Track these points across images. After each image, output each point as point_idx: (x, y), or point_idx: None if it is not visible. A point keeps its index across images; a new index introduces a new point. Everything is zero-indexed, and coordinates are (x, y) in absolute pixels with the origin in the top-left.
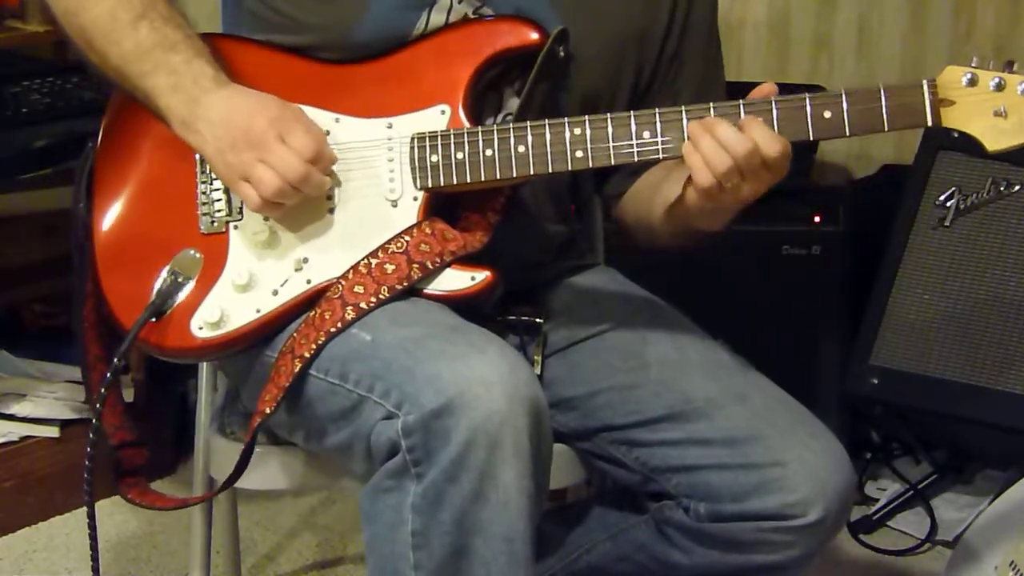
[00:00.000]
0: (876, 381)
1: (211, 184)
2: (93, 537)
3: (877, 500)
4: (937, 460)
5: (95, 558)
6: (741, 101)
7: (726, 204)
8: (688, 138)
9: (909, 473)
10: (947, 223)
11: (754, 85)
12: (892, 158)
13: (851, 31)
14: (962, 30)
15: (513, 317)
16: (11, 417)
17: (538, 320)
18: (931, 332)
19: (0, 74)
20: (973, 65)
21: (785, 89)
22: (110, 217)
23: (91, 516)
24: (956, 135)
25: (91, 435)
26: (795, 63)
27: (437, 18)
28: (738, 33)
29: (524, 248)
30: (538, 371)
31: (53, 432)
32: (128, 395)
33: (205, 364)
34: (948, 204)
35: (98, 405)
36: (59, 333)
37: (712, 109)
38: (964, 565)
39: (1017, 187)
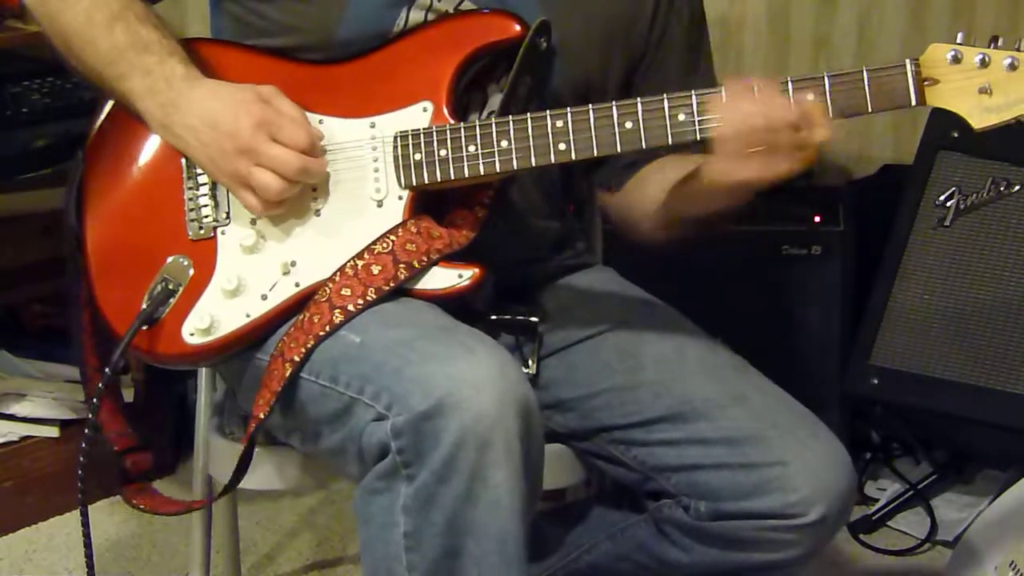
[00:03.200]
0: (876, 381)
1: (197, 190)
2: (88, 544)
3: (877, 500)
4: (937, 460)
5: (90, 565)
6: (722, 87)
7: (743, 175)
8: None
9: (909, 473)
10: (947, 223)
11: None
12: (892, 158)
13: (851, 31)
14: (962, 30)
15: (508, 316)
16: (11, 417)
17: (533, 319)
18: (931, 332)
19: (0, 74)
20: (958, 42)
21: None
22: (101, 226)
23: (85, 524)
24: (956, 135)
25: (83, 444)
26: (795, 63)
27: (416, 15)
28: (738, 33)
29: (515, 244)
30: (534, 371)
31: (53, 432)
32: (128, 395)
33: None
34: (948, 204)
35: (91, 416)
36: (59, 333)
37: (694, 96)
38: (964, 565)
39: (1017, 187)
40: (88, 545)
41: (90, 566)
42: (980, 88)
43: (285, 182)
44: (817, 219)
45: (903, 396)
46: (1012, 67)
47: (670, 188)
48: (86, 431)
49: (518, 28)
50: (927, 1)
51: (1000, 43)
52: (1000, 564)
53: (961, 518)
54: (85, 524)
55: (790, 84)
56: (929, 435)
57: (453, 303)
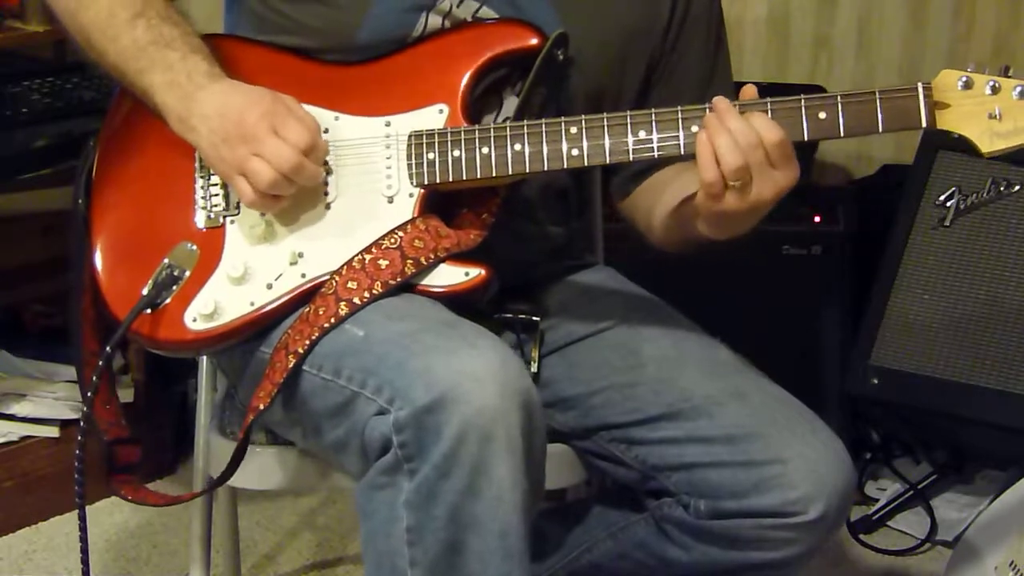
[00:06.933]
0: (876, 381)
1: (209, 180)
2: (84, 539)
3: (877, 500)
4: (937, 460)
5: (85, 560)
6: (736, 103)
7: (730, 207)
8: (704, 127)
9: (909, 473)
10: (947, 223)
11: (755, 84)
12: (892, 158)
13: (851, 31)
14: (962, 30)
15: (510, 315)
16: (11, 417)
17: (535, 318)
18: (931, 332)
19: (0, 74)
20: (969, 69)
21: (785, 89)
22: (109, 211)
23: (82, 517)
24: (956, 135)
25: (81, 422)
26: (795, 63)
27: (434, 21)
28: (738, 32)
29: (520, 249)
30: (535, 369)
31: (53, 432)
32: (128, 395)
33: (205, 364)
34: (948, 204)
35: (89, 394)
36: (59, 333)
37: (707, 110)
38: (964, 565)
39: (1017, 187)
40: (84, 540)
41: (84, 561)
42: (990, 114)
43: (278, 175)
44: (817, 219)
45: (903, 396)
46: (1022, 95)
47: (673, 207)
48: (84, 409)
49: (535, 40)
50: (927, 1)
51: (1011, 72)
52: (1000, 564)
53: (961, 518)
54: (82, 518)
55: (803, 103)
56: (929, 435)
57: (457, 301)
